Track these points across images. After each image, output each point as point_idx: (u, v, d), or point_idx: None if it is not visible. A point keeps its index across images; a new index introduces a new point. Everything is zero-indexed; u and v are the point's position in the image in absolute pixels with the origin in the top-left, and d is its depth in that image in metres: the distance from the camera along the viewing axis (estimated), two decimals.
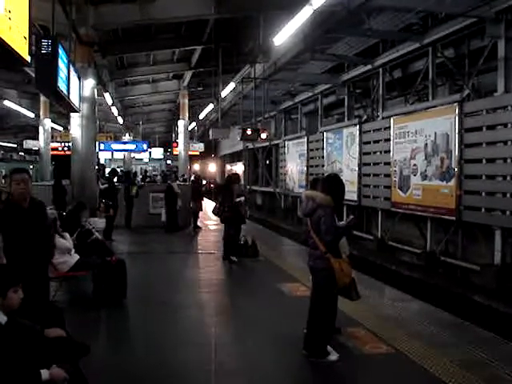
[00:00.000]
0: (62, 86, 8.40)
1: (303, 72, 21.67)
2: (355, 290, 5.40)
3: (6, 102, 25.09)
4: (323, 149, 20.67)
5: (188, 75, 24.94)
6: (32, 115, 28.72)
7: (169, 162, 52.06)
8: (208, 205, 20.14)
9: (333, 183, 5.50)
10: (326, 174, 6.53)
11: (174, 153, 34.44)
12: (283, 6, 12.61)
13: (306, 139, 23.00)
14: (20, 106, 26.85)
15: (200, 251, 12.53)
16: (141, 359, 5.32)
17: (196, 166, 35.17)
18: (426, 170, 13.35)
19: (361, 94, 21.11)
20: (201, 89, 27.60)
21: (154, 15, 14.27)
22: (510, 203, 10.69)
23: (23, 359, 3.26)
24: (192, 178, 19.30)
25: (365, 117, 18.40)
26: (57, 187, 15.06)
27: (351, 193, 16.76)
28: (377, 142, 16.36)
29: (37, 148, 30.38)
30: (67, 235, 7.47)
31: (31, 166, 36.43)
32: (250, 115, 25.63)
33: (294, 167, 24.63)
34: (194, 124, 36.64)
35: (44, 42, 7.78)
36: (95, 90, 13.20)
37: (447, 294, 11.52)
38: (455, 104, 12.31)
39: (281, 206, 27.04)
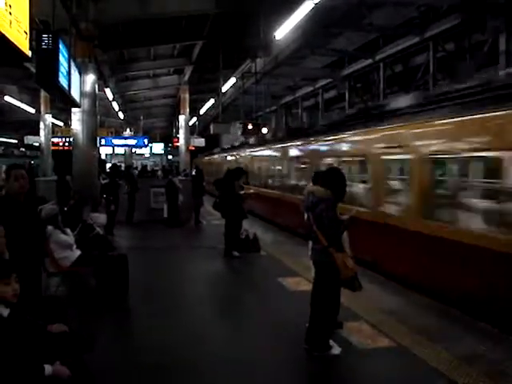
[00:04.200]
0: (62, 81, 8.39)
1: (304, 67, 21.64)
2: (357, 281, 5.39)
3: (7, 98, 25.09)
4: None
5: (188, 70, 24.90)
6: (33, 111, 28.70)
7: (169, 156, 52.07)
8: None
9: (333, 177, 5.49)
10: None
11: (176, 144, 33.50)
12: (284, 0, 12.59)
13: None
14: (21, 101, 26.83)
15: (201, 246, 12.53)
16: (144, 354, 5.33)
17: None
18: None
19: (361, 89, 21.09)
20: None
21: (154, 10, 14.25)
22: None
23: (26, 352, 3.27)
24: (193, 172, 19.26)
25: None
26: (60, 183, 15.05)
27: None
28: None
29: (38, 143, 30.35)
30: (69, 230, 7.48)
31: (32, 162, 36.45)
32: (250, 110, 25.62)
33: None
34: (194, 119, 36.57)
35: (44, 37, 7.76)
36: (96, 85, 13.17)
37: None
38: None
39: None
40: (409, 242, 8.52)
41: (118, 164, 25.48)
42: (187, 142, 28.75)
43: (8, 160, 34.37)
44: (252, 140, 24.98)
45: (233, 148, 29.82)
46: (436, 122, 8.22)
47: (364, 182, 10.81)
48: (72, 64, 9.35)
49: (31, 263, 4.76)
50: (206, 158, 38.03)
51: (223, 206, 11.25)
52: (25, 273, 4.20)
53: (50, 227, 6.88)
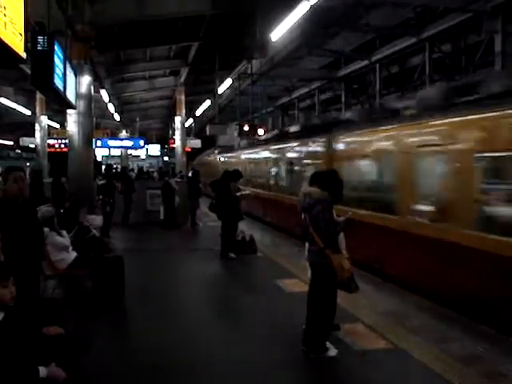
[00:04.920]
0: (58, 82, 8.36)
1: (300, 68, 21.66)
2: (354, 283, 5.38)
3: (3, 99, 25.01)
4: None
5: (184, 71, 24.89)
6: (28, 112, 28.62)
7: (166, 158, 52.04)
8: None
9: (330, 178, 5.49)
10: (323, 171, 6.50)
11: (172, 145, 32.93)
12: (280, 1, 12.59)
13: None
14: (16, 103, 26.76)
15: (198, 248, 12.50)
16: (140, 356, 5.31)
17: None
18: None
19: (357, 90, 21.12)
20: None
21: (151, 11, 14.23)
22: None
23: (21, 355, 3.25)
24: (189, 174, 19.22)
25: None
26: (55, 185, 15.03)
27: None
28: None
29: (33, 145, 30.27)
30: (65, 232, 7.45)
31: (28, 164, 36.34)
32: (247, 111, 25.63)
33: None
34: (190, 120, 36.53)
35: (40, 39, 7.74)
36: (91, 87, 13.14)
37: None
38: None
39: None
40: None
41: (114, 166, 25.45)
42: (183, 144, 28.74)
43: (4, 162, 34.33)
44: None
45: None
46: None
47: None
48: (67, 65, 9.33)
49: (30, 266, 4.73)
50: (217, 156, 31.24)
51: (219, 208, 11.24)
52: (23, 275, 4.20)
53: (45, 229, 6.86)
